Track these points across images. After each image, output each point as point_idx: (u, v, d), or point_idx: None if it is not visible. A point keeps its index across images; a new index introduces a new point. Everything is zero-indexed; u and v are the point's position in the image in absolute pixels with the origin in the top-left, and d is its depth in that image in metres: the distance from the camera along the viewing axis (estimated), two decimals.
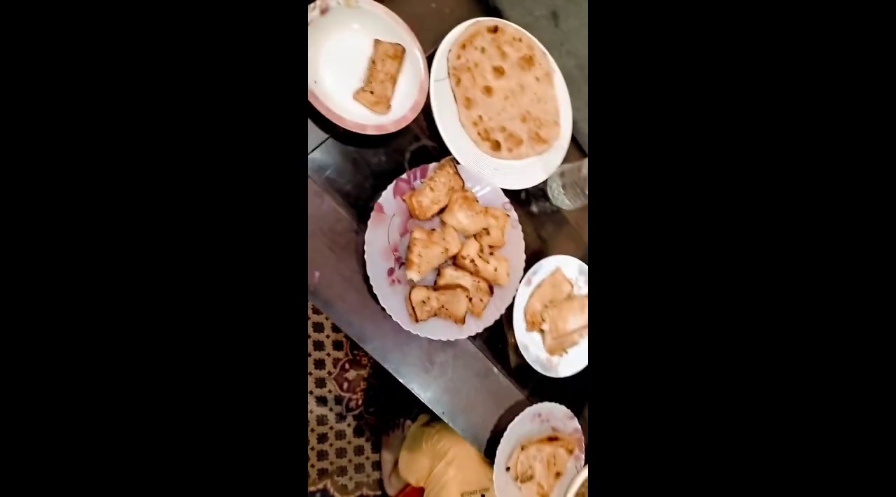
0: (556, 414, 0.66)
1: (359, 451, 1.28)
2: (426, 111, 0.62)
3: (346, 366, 1.29)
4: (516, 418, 0.63)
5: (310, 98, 0.54)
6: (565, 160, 0.71)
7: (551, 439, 0.65)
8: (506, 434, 0.62)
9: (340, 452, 1.26)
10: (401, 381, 0.61)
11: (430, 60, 0.63)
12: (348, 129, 0.55)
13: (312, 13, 0.55)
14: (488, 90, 0.66)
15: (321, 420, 1.24)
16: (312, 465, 1.22)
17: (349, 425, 1.27)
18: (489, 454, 0.63)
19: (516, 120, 0.68)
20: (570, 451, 0.65)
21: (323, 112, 0.54)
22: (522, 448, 0.63)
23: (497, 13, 0.71)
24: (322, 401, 1.25)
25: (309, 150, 0.57)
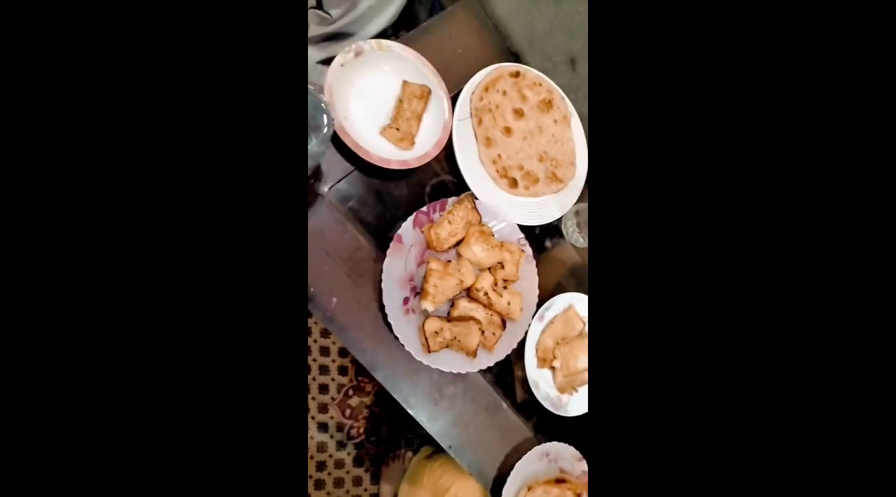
0: (565, 455, 0.65)
1: (357, 481, 1.25)
2: (448, 148, 0.64)
3: (350, 392, 1.28)
4: (524, 457, 0.62)
5: (338, 132, 0.57)
6: (580, 199, 0.73)
7: (559, 481, 0.64)
8: (513, 473, 0.61)
9: (338, 482, 1.23)
10: (409, 411, 0.60)
11: (454, 101, 0.66)
12: (373, 162, 0.58)
13: (347, 56, 0.59)
14: (508, 131, 0.69)
15: (321, 447, 1.22)
16: (309, 495, 1.19)
17: (349, 454, 1.24)
18: (495, 492, 0.62)
19: (534, 159, 0.70)
20: (578, 496, 0.64)
21: (350, 145, 0.57)
22: (529, 489, 0.62)
23: (518, 59, 0.74)
24: (323, 427, 1.23)
25: (334, 180, 0.60)
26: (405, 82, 0.63)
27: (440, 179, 0.66)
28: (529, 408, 0.67)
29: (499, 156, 0.67)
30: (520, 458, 0.62)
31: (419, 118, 0.63)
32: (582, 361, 0.68)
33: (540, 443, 0.64)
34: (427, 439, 0.61)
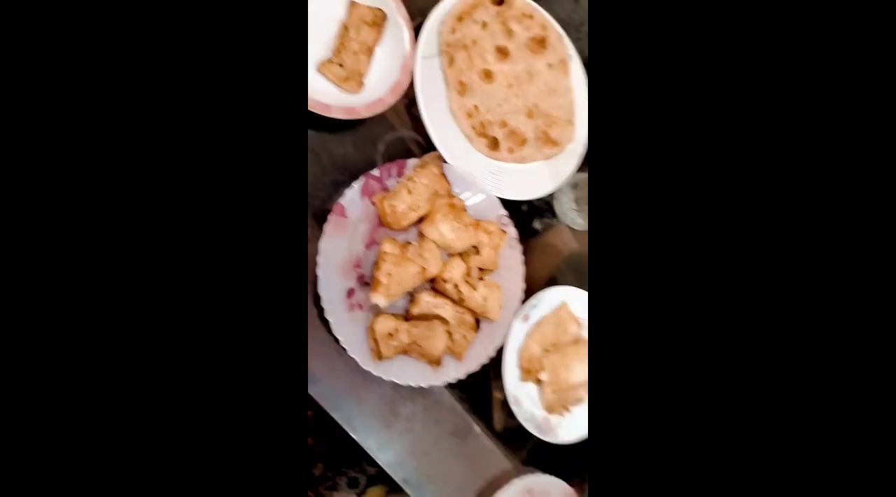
0: (553, 491, 0.65)
1: None
2: (408, 95, 0.63)
3: None
4: (500, 494, 0.61)
5: None
6: (580, 169, 0.72)
7: None
8: None
9: None
10: (353, 436, 0.60)
11: (417, 32, 0.64)
12: (308, 108, 0.57)
13: None
14: (488, 75, 0.68)
15: None
16: None
17: None
18: None
19: (521, 114, 0.69)
20: None
21: None
22: None
23: None
24: None
25: None
26: (353, 3, 0.62)
27: (398, 135, 0.65)
28: (509, 431, 0.67)
29: (475, 107, 0.67)
30: (495, 495, 0.61)
31: (370, 52, 0.62)
32: (577, 374, 0.68)
33: (521, 475, 0.64)
34: (376, 478, 0.63)
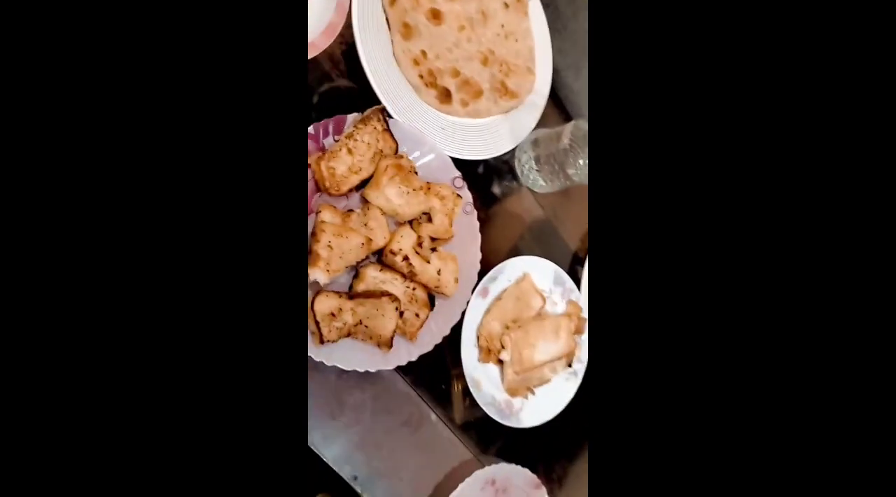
0: (516, 481, 0.65)
1: None
2: (345, 39, 0.62)
3: None
4: (460, 487, 0.61)
5: None
6: (541, 123, 0.72)
7: None
8: None
9: None
10: None
11: None
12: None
13: None
14: (436, 15, 0.66)
15: None
16: None
17: None
18: None
19: (475, 61, 0.68)
20: None
21: None
22: None
23: None
24: None
25: None
26: None
27: (334, 85, 0.63)
28: (469, 418, 0.67)
29: (423, 53, 0.65)
30: (455, 489, 0.61)
31: None
32: (541, 352, 0.68)
33: (482, 466, 0.64)
34: (323, 479, 0.60)
